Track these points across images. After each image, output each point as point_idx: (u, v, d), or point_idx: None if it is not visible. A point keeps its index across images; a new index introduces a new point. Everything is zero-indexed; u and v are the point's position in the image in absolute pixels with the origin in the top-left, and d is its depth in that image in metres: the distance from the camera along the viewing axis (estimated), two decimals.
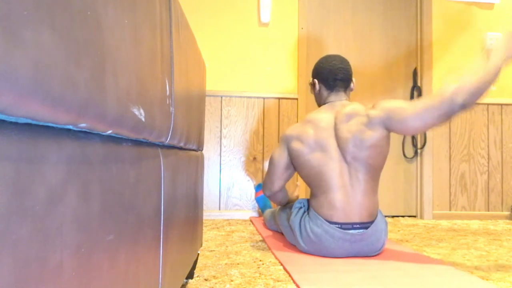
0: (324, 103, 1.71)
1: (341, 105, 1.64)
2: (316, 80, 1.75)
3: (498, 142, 2.91)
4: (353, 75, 1.73)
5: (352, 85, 1.73)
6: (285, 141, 1.71)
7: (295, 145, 1.64)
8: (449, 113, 1.34)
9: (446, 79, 2.90)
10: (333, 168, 1.55)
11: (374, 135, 1.51)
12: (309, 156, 1.59)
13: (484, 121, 2.91)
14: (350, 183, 1.54)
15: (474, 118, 2.90)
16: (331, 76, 1.68)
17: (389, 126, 1.50)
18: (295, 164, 1.68)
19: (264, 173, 2.73)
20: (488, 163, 2.89)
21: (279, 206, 2.03)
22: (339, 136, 1.57)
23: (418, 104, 1.40)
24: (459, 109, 1.32)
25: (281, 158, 1.73)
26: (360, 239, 1.53)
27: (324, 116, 1.62)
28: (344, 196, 1.53)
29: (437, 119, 1.36)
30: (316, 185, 1.59)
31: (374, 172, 1.56)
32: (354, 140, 1.53)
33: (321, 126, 1.60)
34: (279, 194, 1.83)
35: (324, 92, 1.72)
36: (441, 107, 1.34)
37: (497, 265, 1.51)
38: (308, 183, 1.63)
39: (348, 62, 1.72)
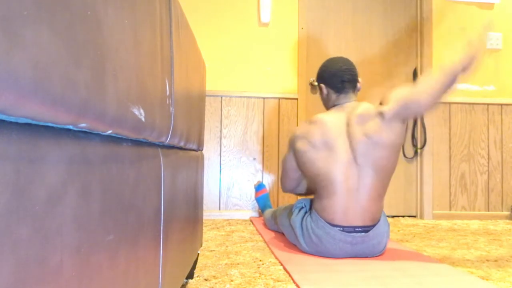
0: (333, 106, 1.70)
1: (352, 106, 1.63)
2: (323, 85, 1.72)
3: (498, 142, 2.91)
4: (358, 75, 1.72)
5: (359, 85, 1.72)
6: (292, 143, 1.73)
7: (300, 144, 1.64)
8: (454, 84, 1.42)
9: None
10: (340, 171, 1.53)
11: (392, 132, 1.50)
12: (314, 155, 1.58)
13: (484, 121, 2.91)
14: (357, 187, 1.52)
15: (474, 118, 2.90)
16: (338, 79, 1.66)
17: (405, 115, 1.49)
18: (299, 163, 1.67)
19: (264, 173, 2.73)
20: (488, 163, 2.89)
21: (279, 207, 2.03)
22: (352, 138, 1.54)
23: (426, 86, 1.43)
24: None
25: (290, 162, 1.77)
26: (361, 241, 1.52)
27: (334, 117, 1.61)
28: (349, 201, 1.52)
29: (445, 93, 1.43)
30: (323, 186, 1.56)
31: (384, 175, 1.53)
32: (371, 141, 1.50)
33: (329, 126, 1.58)
34: (296, 190, 1.89)
35: (333, 95, 1.70)
36: (447, 82, 1.41)
37: (497, 265, 1.51)
38: (314, 184, 1.62)
39: (352, 63, 1.71)
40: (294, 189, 1.87)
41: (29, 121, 0.30)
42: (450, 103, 2.90)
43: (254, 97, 2.74)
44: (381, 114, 1.51)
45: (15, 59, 0.25)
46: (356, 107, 1.60)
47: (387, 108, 1.50)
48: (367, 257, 1.57)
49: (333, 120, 1.59)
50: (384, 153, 1.51)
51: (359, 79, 1.72)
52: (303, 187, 1.90)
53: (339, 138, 1.56)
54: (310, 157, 1.59)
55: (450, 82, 1.41)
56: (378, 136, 1.50)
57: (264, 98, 2.75)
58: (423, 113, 1.49)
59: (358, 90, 1.73)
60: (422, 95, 1.43)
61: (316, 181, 1.60)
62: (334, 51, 2.88)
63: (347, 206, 1.51)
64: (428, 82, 1.44)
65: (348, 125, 1.57)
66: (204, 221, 2.54)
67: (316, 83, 2.82)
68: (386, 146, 1.50)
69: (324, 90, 1.73)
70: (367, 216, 1.52)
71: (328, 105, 1.74)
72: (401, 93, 1.49)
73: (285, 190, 1.89)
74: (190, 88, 0.95)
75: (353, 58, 2.90)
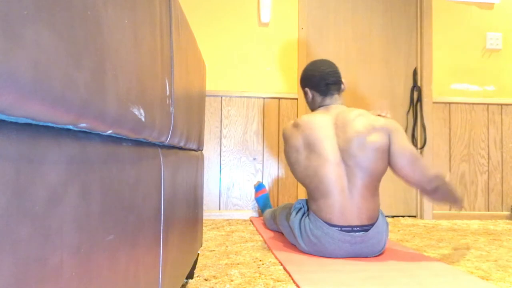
0: (318, 107, 1.71)
1: (339, 108, 1.64)
2: (307, 89, 1.74)
3: (498, 142, 2.91)
4: (342, 76, 1.76)
5: (343, 86, 1.73)
6: (284, 141, 1.75)
7: (287, 147, 1.67)
8: (434, 194, 1.54)
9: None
10: (330, 172, 1.53)
11: (381, 138, 1.52)
12: (300, 157, 1.59)
13: (484, 121, 2.91)
14: (348, 187, 1.53)
15: (474, 118, 2.90)
16: (322, 82, 1.68)
17: (388, 153, 1.56)
18: (289, 164, 1.68)
19: (264, 173, 2.73)
20: (488, 163, 2.89)
21: (278, 206, 2.03)
22: (341, 138, 1.54)
23: (422, 160, 1.54)
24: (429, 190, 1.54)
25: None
26: (361, 240, 1.52)
27: (319, 119, 1.61)
28: (343, 201, 1.52)
29: (419, 182, 1.52)
30: (314, 188, 1.57)
31: (374, 177, 1.53)
32: (359, 141, 1.51)
33: (316, 128, 1.58)
34: None
35: (318, 98, 1.71)
36: (438, 186, 1.52)
37: (497, 265, 1.51)
38: (306, 186, 1.62)
39: (335, 65, 1.73)
40: None
41: (29, 121, 0.30)
42: (450, 103, 2.90)
43: (254, 97, 2.74)
44: (377, 120, 1.55)
45: (15, 59, 0.25)
46: (346, 111, 1.61)
47: (383, 121, 1.55)
48: (366, 256, 1.57)
49: (319, 121, 1.59)
50: (372, 156, 1.52)
51: (343, 80, 1.74)
52: None
53: (326, 139, 1.56)
54: (297, 159, 1.60)
55: (438, 189, 1.51)
56: (368, 138, 1.51)
57: (264, 98, 2.75)
58: (392, 166, 1.56)
59: (343, 91, 1.75)
60: (410, 155, 1.52)
61: (306, 183, 1.60)
62: (334, 51, 2.88)
63: (342, 206, 1.52)
64: (428, 167, 1.54)
65: (336, 126, 1.58)
66: (204, 221, 2.54)
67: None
68: (375, 149, 1.52)
69: (309, 94, 1.74)
70: (363, 215, 1.52)
71: (314, 108, 1.76)
72: (404, 136, 1.56)
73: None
74: (190, 88, 0.95)
75: (353, 58, 2.90)
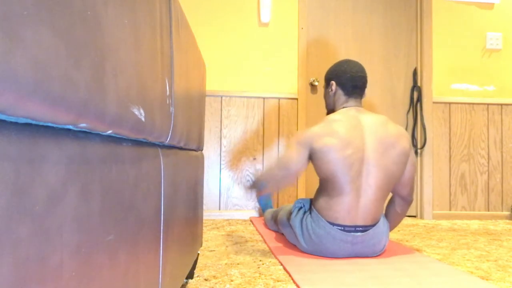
0: (342, 106, 1.70)
1: (363, 110, 1.67)
2: (333, 82, 1.74)
3: (498, 142, 2.91)
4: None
5: (364, 94, 1.75)
6: (308, 141, 1.60)
7: (325, 141, 1.55)
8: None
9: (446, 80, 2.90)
10: (353, 171, 1.52)
11: (407, 146, 1.61)
12: (341, 153, 1.53)
13: (484, 121, 2.91)
14: (365, 188, 1.52)
15: (474, 118, 2.90)
16: (351, 83, 1.69)
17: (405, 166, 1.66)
18: (318, 162, 1.57)
19: None
20: (488, 163, 2.89)
21: (279, 207, 2.03)
22: (370, 138, 1.56)
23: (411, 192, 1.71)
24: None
25: (300, 159, 1.60)
26: (361, 240, 1.53)
27: (352, 116, 1.61)
28: (354, 200, 1.52)
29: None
30: (333, 187, 1.54)
31: (391, 180, 1.56)
32: (389, 142, 1.56)
33: (351, 125, 1.57)
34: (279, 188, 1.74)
35: (342, 97, 1.71)
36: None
37: (497, 265, 1.51)
38: (325, 181, 1.57)
39: (365, 70, 1.77)
40: (280, 187, 1.70)
41: (29, 121, 0.30)
42: (450, 103, 2.90)
43: (254, 97, 2.74)
44: (408, 140, 1.65)
45: (15, 59, 0.25)
46: (371, 114, 1.64)
47: (409, 149, 1.65)
48: (367, 256, 1.57)
49: (352, 120, 1.60)
50: (397, 159, 1.57)
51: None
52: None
53: (357, 139, 1.56)
54: (337, 153, 1.53)
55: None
56: (398, 142, 1.59)
57: (264, 98, 2.75)
58: (396, 189, 1.71)
59: (363, 98, 1.76)
60: (407, 186, 1.70)
61: (328, 181, 1.55)
62: (334, 51, 2.88)
63: (351, 205, 1.51)
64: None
65: (369, 126, 1.59)
66: (204, 221, 2.54)
67: (316, 82, 2.82)
68: (400, 153, 1.58)
69: (333, 87, 1.73)
70: (369, 215, 1.53)
71: (332, 103, 1.75)
72: (414, 170, 1.73)
73: (274, 187, 1.69)
74: (190, 88, 0.95)
75: (353, 58, 2.90)
